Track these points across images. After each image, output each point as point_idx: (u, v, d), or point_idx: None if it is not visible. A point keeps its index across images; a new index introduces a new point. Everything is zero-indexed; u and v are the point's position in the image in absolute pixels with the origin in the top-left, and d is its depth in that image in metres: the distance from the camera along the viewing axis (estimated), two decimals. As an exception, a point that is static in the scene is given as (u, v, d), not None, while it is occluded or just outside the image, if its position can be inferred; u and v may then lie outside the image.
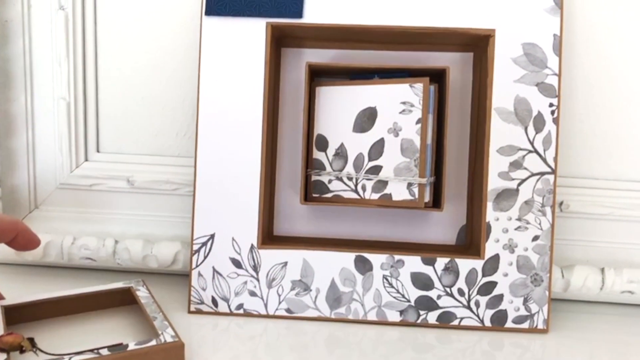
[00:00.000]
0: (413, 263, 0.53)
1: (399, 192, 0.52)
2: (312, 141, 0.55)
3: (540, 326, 0.53)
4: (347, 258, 0.53)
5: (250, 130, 0.53)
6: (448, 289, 0.53)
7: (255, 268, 0.53)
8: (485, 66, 0.53)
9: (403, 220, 0.57)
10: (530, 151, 0.52)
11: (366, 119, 0.53)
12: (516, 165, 0.52)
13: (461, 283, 0.53)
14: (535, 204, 0.52)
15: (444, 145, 0.52)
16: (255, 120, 0.53)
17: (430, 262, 0.53)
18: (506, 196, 0.52)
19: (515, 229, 0.52)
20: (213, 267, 0.53)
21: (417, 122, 0.52)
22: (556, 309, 0.56)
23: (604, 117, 0.57)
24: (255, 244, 0.53)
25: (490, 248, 0.53)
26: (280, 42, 0.56)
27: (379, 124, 0.53)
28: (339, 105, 0.54)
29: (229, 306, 0.54)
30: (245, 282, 0.53)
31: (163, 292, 0.56)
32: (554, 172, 0.52)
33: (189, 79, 0.58)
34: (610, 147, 0.58)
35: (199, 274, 0.53)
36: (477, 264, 0.53)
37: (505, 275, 0.53)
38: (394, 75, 0.53)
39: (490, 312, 0.53)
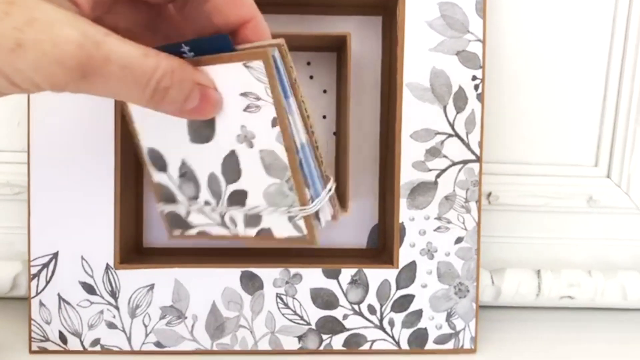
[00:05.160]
0: (313, 277, 0.43)
1: (279, 226, 0.35)
2: (144, 159, 0.37)
3: (467, 345, 0.44)
4: (230, 275, 0.42)
5: (100, 112, 0.41)
6: (356, 307, 0.43)
7: (114, 293, 0.42)
8: (395, 32, 0.43)
9: (302, 222, 0.47)
10: (450, 135, 0.43)
11: (202, 124, 0.33)
12: (434, 152, 0.43)
13: (371, 298, 0.43)
14: (458, 199, 0.43)
15: (346, 131, 0.42)
16: (106, 101, 0.41)
17: (333, 274, 0.43)
18: (422, 191, 0.43)
19: (435, 230, 0.43)
20: (59, 295, 0.42)
21: (274, 124, 0.31)
22: (485, 319, 0.48)
23: (538, 91, 0.48)
24: (111, 263, 0.42)
25: (405, 254, 0.43)
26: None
27: (221, 131, 0.33)
28: None
29: (81, 342, 0.42)
30: (102, 312, 0.42)
31: (0, 326, 0.45)
32: (479, 159, 0.43)
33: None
34: (545, 126, 0.49)
35: (41, 304, 0.42)
36: (390, 274, 0.43)
37: (424, 286, 0.43)
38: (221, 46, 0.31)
39: (408, 331, 0.44)
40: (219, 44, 0.30)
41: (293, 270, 0.43)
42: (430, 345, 0.44)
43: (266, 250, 0.46)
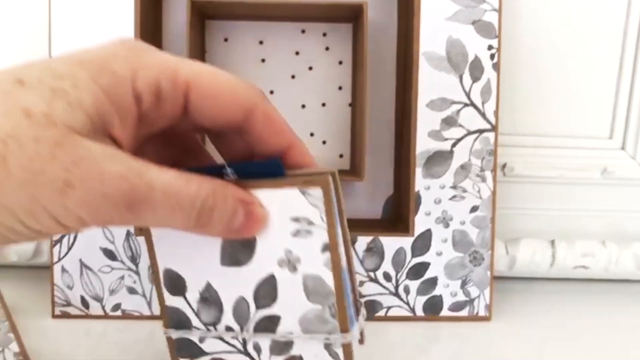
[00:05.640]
0: (329, 244, 0.43)
1: (312, 354, 0.32)
2: (159, 281, 0.33)
3: (482, 313, 0.45)
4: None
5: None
6: (372, 274, 0.44)
7: (134, 259, 0.43)
8: (411, 2, 0.43)
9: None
10: (466, 104, 0.43)
11: (240, 247, 0.31)
12: (450, 122, 0.43)
13: (387, 266, 0.44)
14: (473, 168, 0.44)
15: (362, 102, 0.43)
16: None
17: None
18: (438, 160, 0.43)
19: (450, 199, 0.44)
20: (80, 260, 0.43)
21: (324, 250, 0.30)
22: (500, 289, 0.48)
23: (554, 62, 0.49)
24: (131, 230, 0.43)
25: (421, 223, 0.44)
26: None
27: (262, 254, 0.30)
28: None
29: (103, 307, 0.43)
30: (122, 277, 0.43)
31: (24, 292, 0.46)
32: (494, 128, 0.43)
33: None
34: (560, 98, 0.49)
35: (63, 269, 0.43)
36: (406, 242, 0.44)
37: (439, 254, 0.44)
38: (262, 171, 0.29)
39: (423, 298, 0.44)
40: (269, 169, 0.29)
41: (310, 238, 0.43)
42: (445, 312, 0.44)
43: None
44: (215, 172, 0.29)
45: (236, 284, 0.31)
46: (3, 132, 0.22)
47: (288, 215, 0.29)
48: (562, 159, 0.49)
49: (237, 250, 0.31)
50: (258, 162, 0.30)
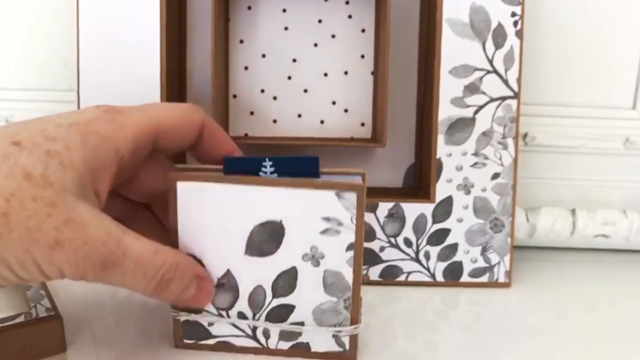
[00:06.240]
0: (351, 210, 0.44)
1: (320, 340, 0.34)
2: None
3: (502, 279, 0.45)
4: (271, 206, 0.44)
5: (150, 52, 0.43)
6: (392, 239, 0.44)
7: (159, 222, 0.44)
8: (434, -31, 0.43)
9: (340, 159, 0.48)
10: (489, 71, 0.43)
11: (267, 238, 0.33)
12: (472, 89, 0.43)
13: (408, 231, 0.44)
14: (495, 135, 0.44)
15: (385, 70, 0.43)
16: (152, 41, 0.43)
17: (371, 208, 0.44)
18: (460, 127, 0.44)
19: (472, 166, 0.44)
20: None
21: (349, 249, 0.32)
22: (520, 259, 0.49)
23: (578, 30, 0.48)
24: (157, 193, 0.43)
25: (442, 189, 0.44)
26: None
27: (287, 247, 0.32)
28: (220, 215, 0.33)
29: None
30: (148, 240, 0.44)
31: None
32: (516, 96, 0.43)
33: None
34: (583, 67, 0.49)
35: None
36: (427, 208, 0.44)
37: (460, 220, 0.44)
38: (302, 166, 0.32)
39: (443, 264, 0.45)
40: (306, 166, 0.31)
41: (332, 203, 0.44)
42: (465, 278, 0.45)
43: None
44: (254, 164, 0.32)
45: (257, 273, 0.33)
46: (7, 192, 0.26)
47: (319, 214, 0.32)
48: (584, 129, 0.49)
49: (264, 242, 0.33)
50: (296, 157, 0.32)
